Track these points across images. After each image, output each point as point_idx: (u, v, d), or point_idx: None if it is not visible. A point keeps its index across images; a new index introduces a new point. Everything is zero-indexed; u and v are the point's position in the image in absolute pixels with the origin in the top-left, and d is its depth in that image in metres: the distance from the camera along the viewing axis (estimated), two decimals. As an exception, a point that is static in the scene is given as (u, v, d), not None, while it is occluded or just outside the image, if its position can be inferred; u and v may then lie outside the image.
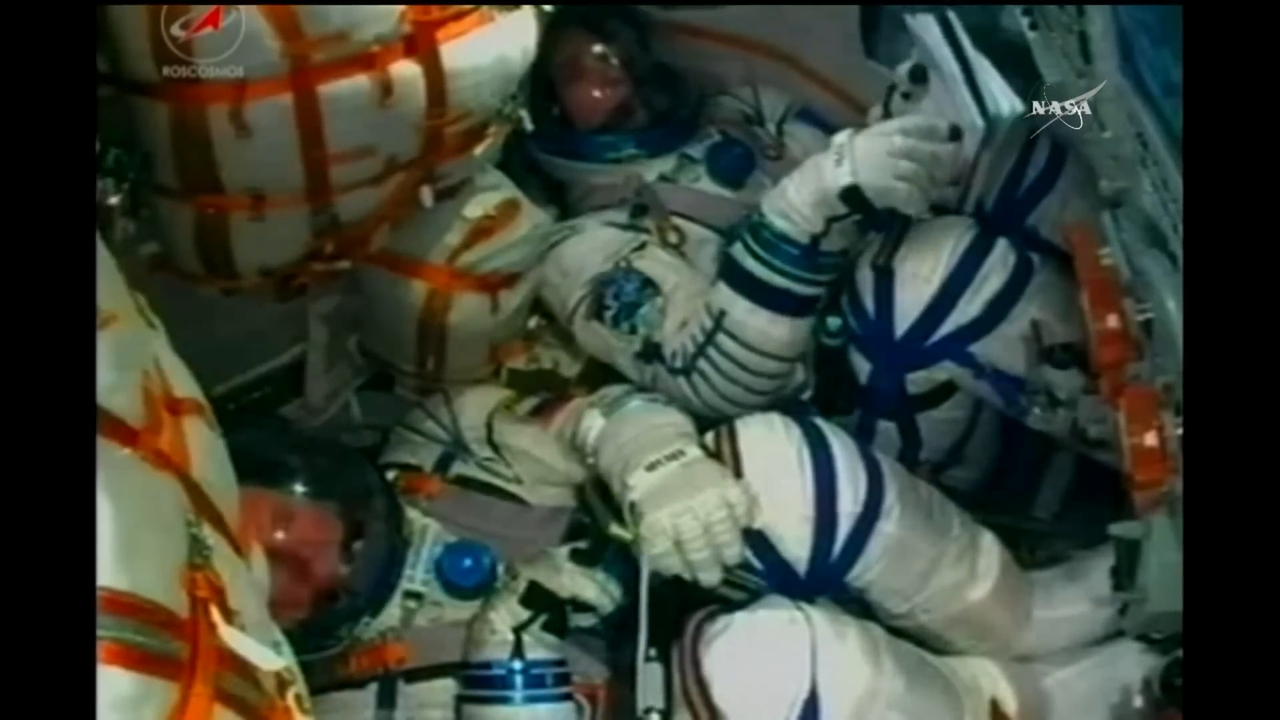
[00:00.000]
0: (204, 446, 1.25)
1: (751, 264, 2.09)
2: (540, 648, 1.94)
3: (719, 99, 2.74)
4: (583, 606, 1.98)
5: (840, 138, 2.01)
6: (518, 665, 1.93)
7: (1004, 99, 2.00)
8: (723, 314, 2.13)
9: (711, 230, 2.46)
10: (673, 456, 1.91)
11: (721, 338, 2.13)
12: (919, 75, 2.02)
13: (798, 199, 2.03)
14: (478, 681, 1.95)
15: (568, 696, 1.95)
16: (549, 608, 1.94)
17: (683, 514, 1.84)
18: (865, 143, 1.97)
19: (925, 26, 2.02)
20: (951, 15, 2.00)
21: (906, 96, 2.03)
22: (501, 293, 2.36)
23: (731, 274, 2.13)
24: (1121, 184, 1.56)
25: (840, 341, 2.16)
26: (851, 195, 1.97)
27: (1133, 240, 1.54)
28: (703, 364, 2.16)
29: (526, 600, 1.94)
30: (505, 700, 1.93)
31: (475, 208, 2.30)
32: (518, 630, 1.93)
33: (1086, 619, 1.99)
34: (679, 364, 2.20)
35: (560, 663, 1.95)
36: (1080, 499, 2.29)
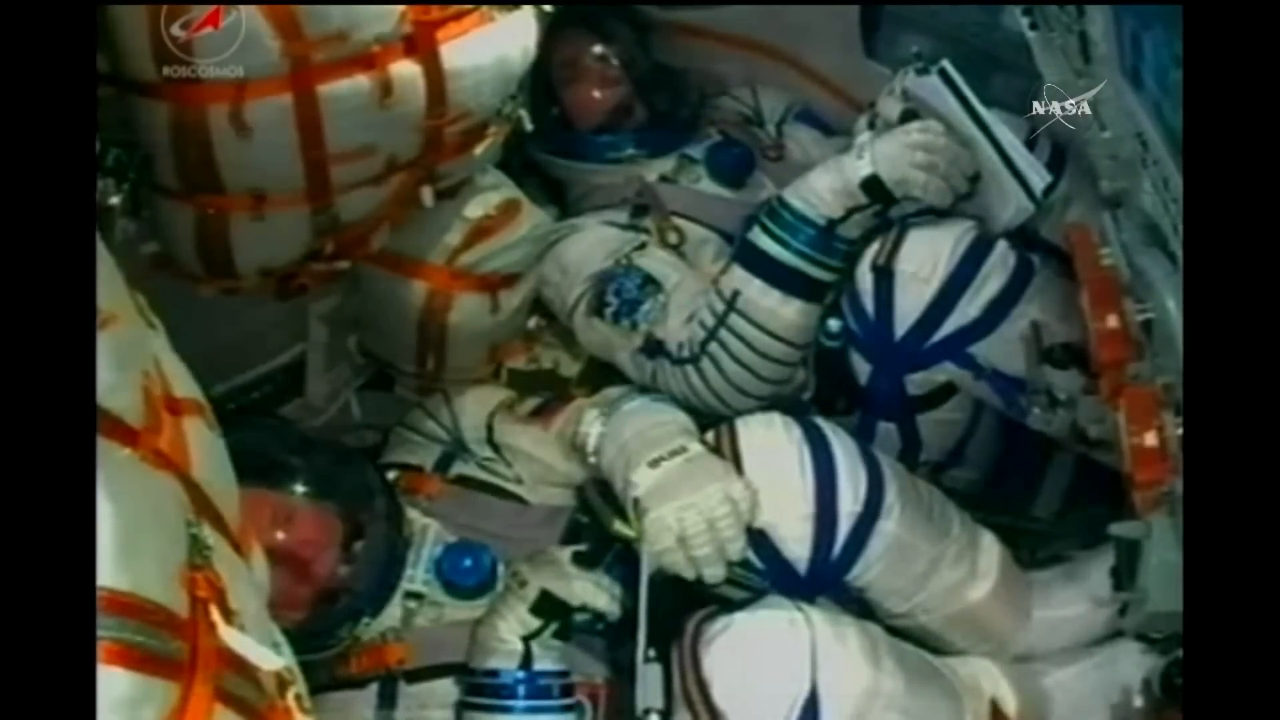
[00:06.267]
0: (204, 446, 1.25)
1: (767, 243, 2.13)
2: (546, 653, 1.95)
3: (719, 99, 2.74)
4: (592, 613, 1.98)
5: (862, 137, 2.12)
6: (523, 675, 1.93)
7: (1034, 173, 2.02)
8: (736, 294, 2.14)
9: (711, 230, 2.47)
10: (676, 453, 1.92)
11: (734, 318, 2.14)
12: (910, 120, 2.08)
13: (820, 185, 2.10)
14: (481, 689, 1.95)
15: (570, 708, 1.95)
16: (559, 616, 1.95)
17: (687, 509, 1.84)
18: (885, 138, 2.07)
19: (934, 91, 2.02)
20: (952, 71, 2.00)
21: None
22: (501, 293, 2.37)
23: (746, 255, 2.16)
24: (1121, 184, 1.56)
25: (840, 343, 2.16)
26: (872, 185, 2.04)
27: (1133, 240, 1.54)
28: (713, 347, 2.17)
29: (537, 609, 1.94)
30: (507, 710, 1.93)
31: (475, 208, 2.31)
32: (527, 640, 1.94)
33: (1086, 619, 1.99)
34: (685, 354, 2.20)
35: (565, 673, 1.95)
36: (1080, 499, 2.29)
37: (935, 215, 2.11)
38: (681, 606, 1.87)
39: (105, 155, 1.75)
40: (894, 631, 1.92)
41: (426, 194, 2.13)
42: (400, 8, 1.86)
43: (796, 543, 1.89)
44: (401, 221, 2.19)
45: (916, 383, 2.15)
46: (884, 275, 2.06)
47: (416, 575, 2.07)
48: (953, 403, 2.19)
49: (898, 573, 1.93)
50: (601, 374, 2.42)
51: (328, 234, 2.05)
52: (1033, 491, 2.37)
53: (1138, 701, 1.71)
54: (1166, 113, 1.28)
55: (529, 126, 2.28)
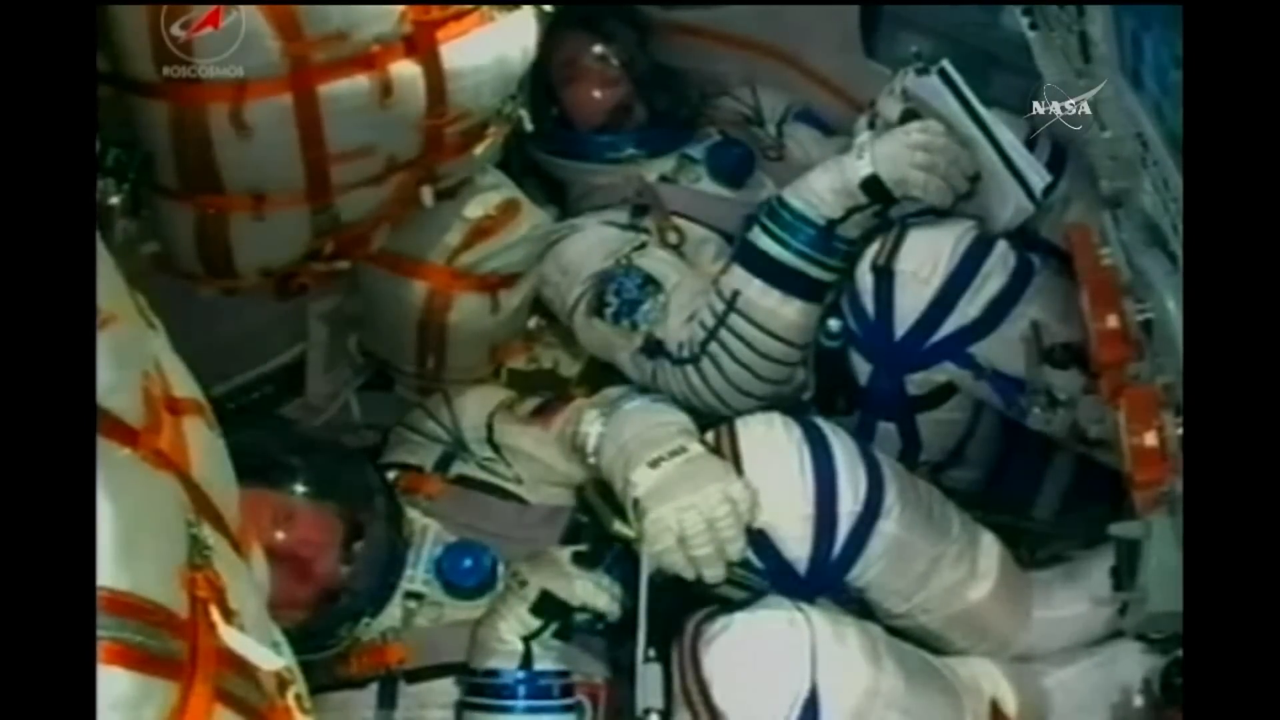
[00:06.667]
0: (204, 446, 1.25)
1: (767, 243, 2.13)
2: (546, 653, 1.95)
3: (719, 99, 2.74)
4: (591, 612, 1.98)
5: (862, 137, 2.11)
6: (524, 675, 1.93)
7: (1033, 173, 2.02)
8: (736, 294, 2.14)
9: (711, 230, 2.47)
10: (675, 453, 1.92)
11: (734, 318, 2.14)
12: (909, 120, 2.08)
13: (819, 185, 2.09)
14: (482, 689, 1.95)
15: (571, 708, 1.95)
16: (560, 616, 1.95)
17: (687, 509, 1.84)
18: (885, 138, 2.07)
19: (934, 91, 2.02)
20: (952, 71, 2.00)
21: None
22: (501, 293, 2.37)
23: (746, 256, 2.16)
24: (1121, 184, 1.56)
25: (840, 343, 2.16)
26: (872, 185, 2.04)
27: (1133, 240, 1.54)
28: (714, 347, 2.16)
29: (537, 609, 1.94)
30: (507, 710, 1.93)
31: (475, 208, 2.31)
32: (528, 640, 1.94)
33: (1086, 619, 1.99)
34: (686, 354, 2.20)
35: (565, 673, 1.96)
36: (1080, 499, 2.29)
37: (935, 215, 2.11)
38: (681, 606, 1.87)
39: (105, 155, 1.75)
40: (894, 631, 1.92)
41: (426, 194, 2.13)
42: (400, 8, 1.86)
43: (796, 543, 1.89)
44: (401, 221, 2.19)
45: (916, 383, 2.15)
46: (884, 275, 2.06)
47: (416, 575, 2.07)
48: (953, 403, 2.19)
49: (898, 573, 1.93)
50: (601, 374, 2.42)
51: (328, 234, 2.05)
52: (1033, 491, 2.37)
53: (1138, 701, 1.71)
54: (1166, 113, 1.28)
55: (529, 126, 2.28)
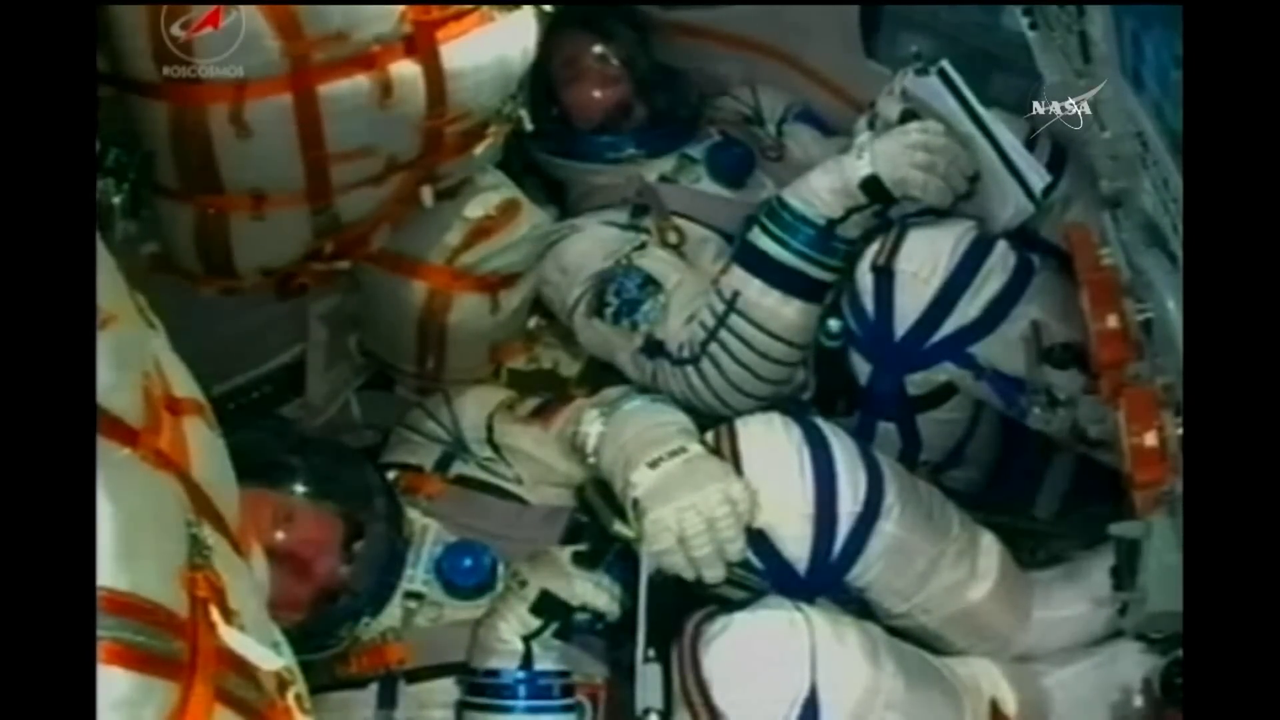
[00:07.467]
0: (204, 446, 1.25)
1: (767, 243, 2.13)
2: (546, 653, 1.95)
3: (719, 99, 2.74)
4: (591, 612, 1.98)
5: (862, 137, 2.12)
6: (524, 675, 1.93)
7: (1033, 173, 2.02)
8: (736, 295, 2.15)
9: (711, 230, 2.47)
10: (675, 453, 1.92)
11: (734, 319, 2.15)
12: (909, 120, 2.09)
13: (819, 185, 2.10)
14: (482, 689, 1.95)
15: (571, 708, 1.95)
16: (559, 616, 1.95)
17: (686, 510, 1.84)
18: (885, 138, 2.08)
19: (934, 91, 2.02)
20: (951, 71, 2.00)
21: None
22: (501, 293, 2.37)
23: (746, 256, 2.17)
24: (1121, 184, 1.56)
25: (840, 343, 2.16)
26: (871, 185, 2.05)
27: (1133, 240, 1.54)
28: (714, 348, 2.17)
29: (537, 609, 1.94)
30: (507, 710, 1.93)
31: (475, 208, 2.31)
32: (528, 640, 1.94)
33: (1086, 619, 1.99)
34: (686, 354, 2.20)
35: (565, 673, 1.96)
36: (1080, 499, 2.29)
37: (935, 215, 2.11)
38: (681, 606, 1.87)
39: (105, 155, 1.75)
40: (894, 631, 1.92)
41: (426, 194, 2.13)
42: (400, 8, 1.86)
43: (796, 543, 1.89)
44: (401, 221, 2.19)
45: (916, 383, 2.15)
46: (884, 275, 2.06)
47: (416, 575, 2.07)
48: (953, 403, 2.19)
49: (898, 573, 1.93)
50: (601, 374, 2.42)
51: (328, 234, 2.05)
52: (1033, 491, 2.37)
53: (1138, 701, 1.71)
54: (1166, 113, 1.28)
55: (529, 126, 2.28)
